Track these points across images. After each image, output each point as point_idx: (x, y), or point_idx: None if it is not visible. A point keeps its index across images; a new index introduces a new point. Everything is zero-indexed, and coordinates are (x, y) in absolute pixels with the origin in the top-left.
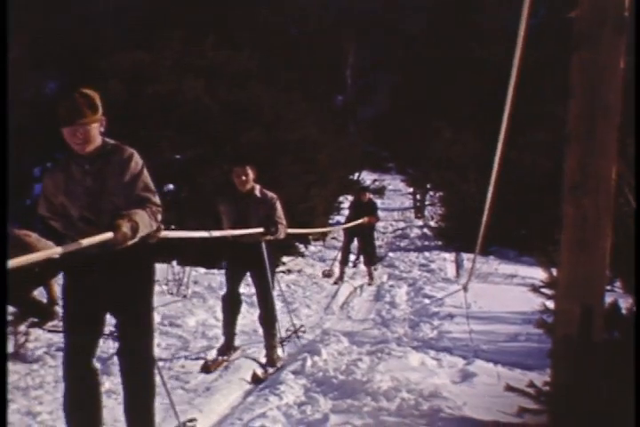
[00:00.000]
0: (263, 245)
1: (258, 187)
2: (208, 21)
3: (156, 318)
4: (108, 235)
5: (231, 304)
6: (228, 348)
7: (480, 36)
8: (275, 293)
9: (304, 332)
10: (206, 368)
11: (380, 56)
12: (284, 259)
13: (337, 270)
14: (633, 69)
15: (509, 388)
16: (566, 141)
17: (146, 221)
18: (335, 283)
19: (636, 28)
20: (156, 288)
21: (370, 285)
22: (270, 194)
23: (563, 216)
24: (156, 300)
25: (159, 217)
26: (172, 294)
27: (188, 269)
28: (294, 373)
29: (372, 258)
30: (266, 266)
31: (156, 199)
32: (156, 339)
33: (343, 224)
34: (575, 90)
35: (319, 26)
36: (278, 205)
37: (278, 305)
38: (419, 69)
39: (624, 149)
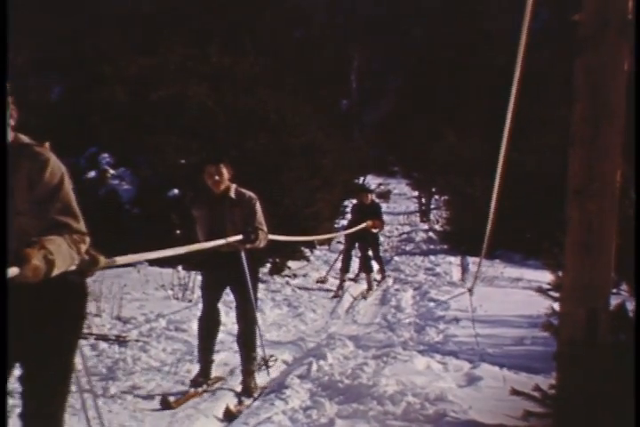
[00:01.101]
0: (243, 255)
1: (233, 186)
2: (213, 26)
3: (162, 323)
4: (13, 270)
5: (208, 326)
6: (204, 377)
7: (484, 40)
8: (276, 304)
9: (275, 360)
10: (166, 404)
11: (385, 60)
12: (290, 263)
13: (337, 280)
14: (633, 72)
15: (515, 391)
16: (570, 145)
17: (64, 253)
18: (335, 296)
19: (636, 30)
20: (162, 293)
21: (365, 296)
22: (248, 194)
23: (567, 219)
24: (162, 305)
25: (82, 248)
26: (177, 298)
27: (193, 273)
28: (300, 377)
29: (368, 265)
30: (246, 279)
31: (80, 225)
32: (162, 343)
33: (345, 229)
34: (579, 93)
35: (324, 30)
36: (258, 207)
37: (284, 310)
38: (423, 73)
39: (629, 152)
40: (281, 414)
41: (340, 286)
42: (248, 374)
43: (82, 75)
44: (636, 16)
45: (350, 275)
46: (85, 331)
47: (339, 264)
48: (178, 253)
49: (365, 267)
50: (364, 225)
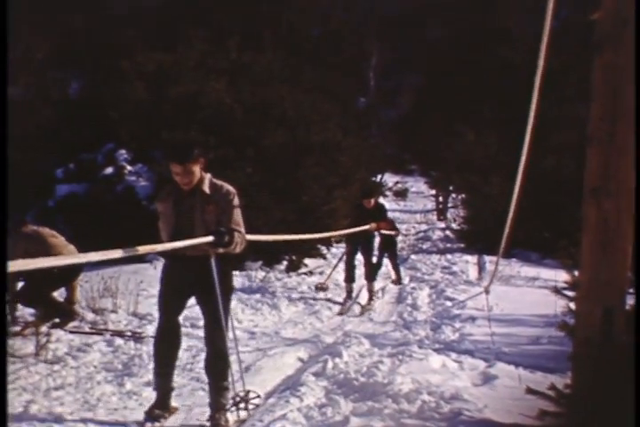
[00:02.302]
0: (213, 261)
1: (207, 177)
2: (231, 22)
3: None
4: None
5: (165, 346)
6: (162, 409)
7: (503, 38)
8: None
9: (257, 397)
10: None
11: (403, 58)
12: (306, 261)
13: (345, 289)
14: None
15: (530, 390)
16: (587, 144)
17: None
18: (340, 313)
19: (636, 28)
20: None
21: (367, 308)
22: (226, 187)
23: (584, 218)
24: None
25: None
26: None
27: None
28: (315, 375)
29: (371, 273)
30: (216, 290)
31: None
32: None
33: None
34: (596, 92)
35: (342, 27)
36: (236, 204)
37: (300, 307)
38: (441, 71)
39: None
40: (296, 412)
41: (347, 299)
42: (218, 408)
43: (100, 71)
44: (636, 16)
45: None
46: (101, 327)
47: (339, 269)
48: (132, 254)
49: (368, 274)
50: (366, 227)
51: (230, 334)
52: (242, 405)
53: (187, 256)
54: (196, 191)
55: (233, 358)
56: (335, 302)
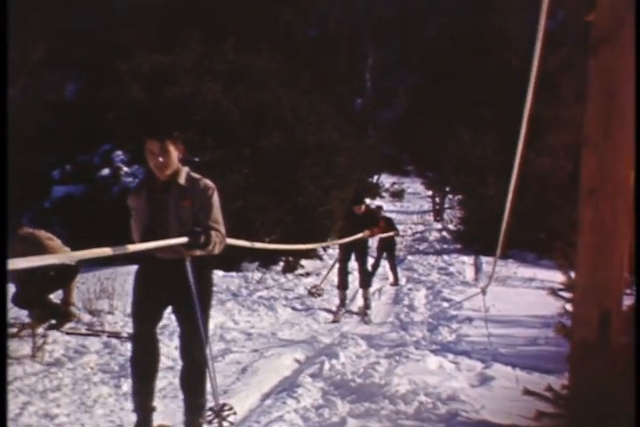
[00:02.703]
0: (188, 265)
1: (185, 170)
2: (228, 24)
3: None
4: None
5: (144, 361)
6: None
7: (499, 39)
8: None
9: (232, 412)
10: None
11: (400, 58)
12: (303, 262)
13: (338, 296)
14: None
15: (527, 392)
16: (583, 144)
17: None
18: (334, 321)
19: (636, 29)
20: None
21: (365, 317)
22: (204, 181)
23: (580, 219)
24: None
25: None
26: None
27: None
28: (312, 376)
29: (366, 279)
30: (193, 297)
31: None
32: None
33: (338, 237)
34: (592, 93)
35: (339, 28)
36: (215, 201)
37: (297, 308)
38: (438, 72)
39: None
40: (293, 413)
41: (340, 307)
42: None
43: (97, 72)
44: (636, 16)
45: (353, 320)
46: (98, 328)
47: (332, 274)
48: (98, 256)
49: (362, 280)
50: (360, 235)
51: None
52: (216, 422)
53: (160, 259)
54: (172, 184)
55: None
56: (329, 311)
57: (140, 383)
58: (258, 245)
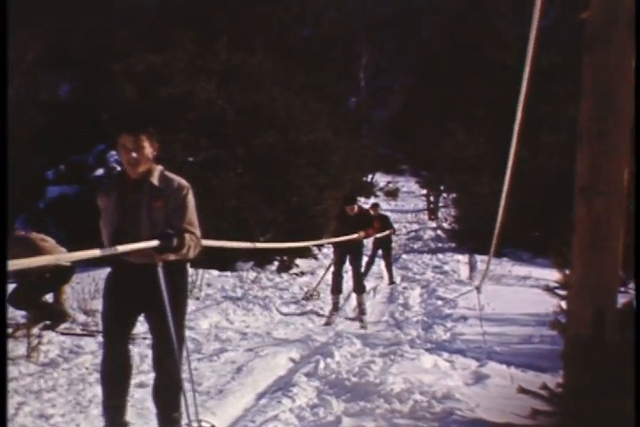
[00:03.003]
0: (160, 270)
1: (158, 169)
2: (221, 23)
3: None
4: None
5: (114, 373)
6: None
7: (494, 38)
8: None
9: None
10: None
11: (394, 58)
12: (298, 261)
13: (330, 300)
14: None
15: (522, 390)
16: (578, 143)
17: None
18: (327, 324)
19: (636, 30)
20: None
21: (361, 322)
22: (178, 181)
23: (575, 218)
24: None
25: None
26: None
27: (201, 271)
28: (307, 375)
29: (360, 284)
30: (165, 304)
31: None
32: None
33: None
34: (587, 91)
35: (333, 28)
36: (189, 201)
37: (291, 307)
38: (432, 71)
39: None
40: (288, 412)
41: (334, 311)
42: None
43: (91, 72)
44: (636, 16)
45: (350, 313)
46: (93, 328)
47: (327, 278)
48: (87, 257)
49: (357, 285)
50: (354, 237)
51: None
52: None
53: (131, 264)
54: (144, 184)
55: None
56: (319, 315)
57: (111, 398)
58: (260, 245)
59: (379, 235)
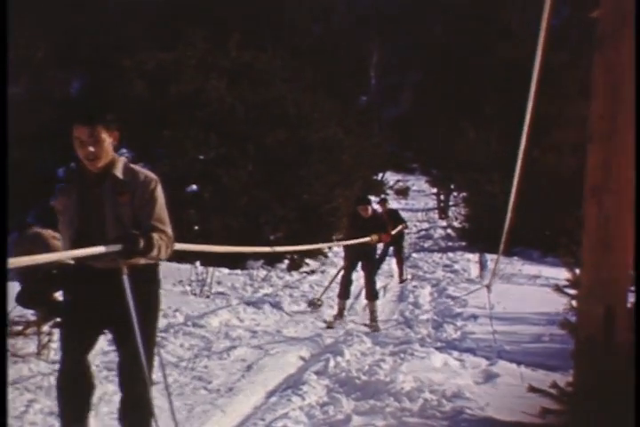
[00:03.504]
0: (125, 278)
1: (121, 161)
2: (232, 21)
3: (180, 318)
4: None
5: (71, 391)
6: None
7: (505, 36)
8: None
9: None
10: None
11: (405, 56)
12: (308, 260)
13: (335, 306)
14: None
15: (532, 389)
16: (588, 141)
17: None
18: (329, 327)
19: (636, 28)
20: (180, 289)
21: (373, 327)
22: (145, 173)
23: (585, 216)
24: (180, 300)
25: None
26: (195, 294)
27: (211, 269)
28: (317, 373)
29: (373, 291)
30: (132, 317)
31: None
32: (180, 339)
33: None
34: (597, 89)
35: (344, 26)
36: (158, 195)
37: (302, 306)
38: (443, 70)
39: None
40: (298, 410)
41: (339, 315)
42: None
43: (101, 69)
44: (636, 16)
45: (358, 317)
46: None
47: (333, 285)
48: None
49: (369, 292)
50: (367, 239)
51: (157, 375)
52: None
53: (92, 268)
54: (106, 177)
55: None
56: (325, 322)
57: (69, 413)
58: (279, 249)
59: (393, 231)
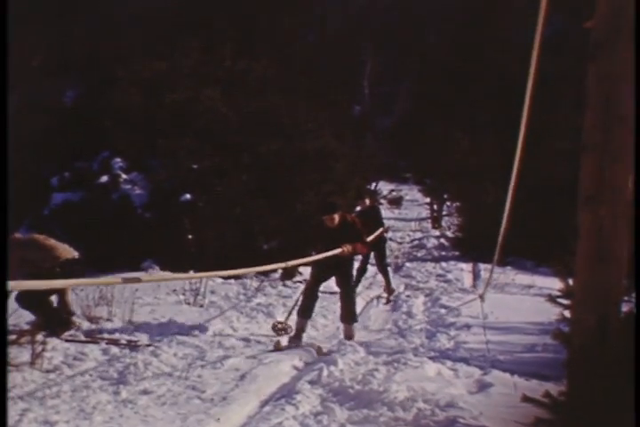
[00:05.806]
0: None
1: None
2: (226, 30)
3: (174, 327)
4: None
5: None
6: None
7: (498, 46)
8: None
9: None
10: None
11: (398, 66)
12: (301, 269)
13: (295, 324)
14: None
15: (526, 398)
16: (582, 151)
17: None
18: (277, 349)
19: (636, 30)
20: (174, 298)
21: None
22: None
23: (579, 226)
24: (174, 310)
25: None
26: (188, 303)
27: (205, 279)
28: (310, 382)
29: (350, 312)
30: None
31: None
32: (173, 348)
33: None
34: (591, 99)
35: (337, 35)
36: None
37: (295, 315)
38: (436, 79)
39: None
40: (291, 420)
41: (294, 339)
42: None
43: (96, 78)
44: (636, 16)
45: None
46: (97, 335)
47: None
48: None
49: (345, 313)
50: (338, 251)
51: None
52: None
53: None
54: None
55: None
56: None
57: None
58: (292, 263)
59: (370, 238)
